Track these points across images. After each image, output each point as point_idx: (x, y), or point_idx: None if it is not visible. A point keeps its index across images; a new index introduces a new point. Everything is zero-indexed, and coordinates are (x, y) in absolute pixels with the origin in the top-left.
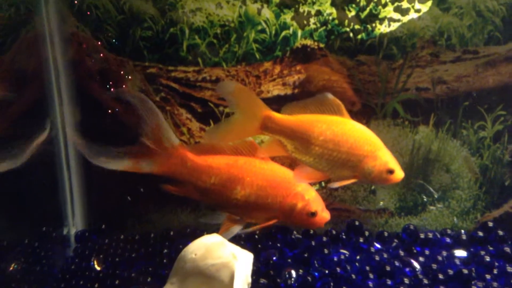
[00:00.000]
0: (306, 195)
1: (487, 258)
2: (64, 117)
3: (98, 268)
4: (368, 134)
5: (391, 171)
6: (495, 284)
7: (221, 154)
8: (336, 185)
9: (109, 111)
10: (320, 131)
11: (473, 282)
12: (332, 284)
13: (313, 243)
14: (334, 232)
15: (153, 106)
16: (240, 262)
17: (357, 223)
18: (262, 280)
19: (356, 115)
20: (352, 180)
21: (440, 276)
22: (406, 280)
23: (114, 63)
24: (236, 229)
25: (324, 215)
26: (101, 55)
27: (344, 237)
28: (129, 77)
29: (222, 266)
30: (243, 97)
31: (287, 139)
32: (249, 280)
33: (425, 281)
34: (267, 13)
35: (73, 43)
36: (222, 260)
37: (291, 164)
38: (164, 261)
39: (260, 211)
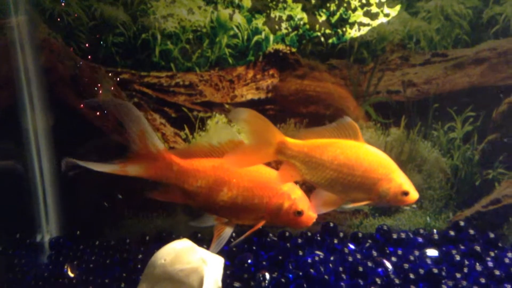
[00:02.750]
0: (292, 195)
1: (458, 257)
2: (36, 123)
3: (72, 275)
4: (382, 157)
5: (406, 193)
6: (464, 282)
7: (208, 157)
8: (350, 206)
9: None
10: (334, 155)
11: (443, 281)
12: (305, 285)
13: (288, 245)
14: (309, 233)
15: (138, 113)
16: (209, 267)
17: (331, 224)
18: (237, 284)
19: (329, 119)
20: (367, 202)
21: (411, 276)
22: (378, 280)
23: (86, 70)
24: (229, 231)
25: (311, 214)
26: (78, 62)
27: (319, 238)
28: (101, 83)
29: (191, 271)
30: (256, 123)
31: (301, 164)
32: (219, 284)
33: (396, 281)
34: (239, 18)
35: (45, 50)
36: (192, 265)
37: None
38: (139, 266)
39: (247, 212)
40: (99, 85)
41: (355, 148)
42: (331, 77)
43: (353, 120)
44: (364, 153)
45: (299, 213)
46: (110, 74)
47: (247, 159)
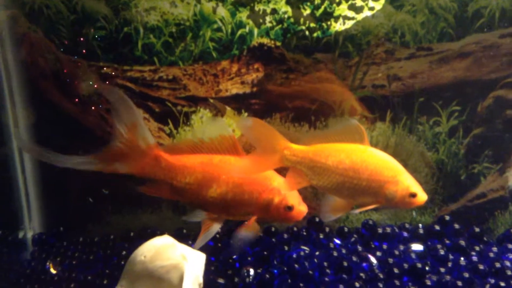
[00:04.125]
0: (283, 190)
1: (442, 252)
2: (17, 119)
3: (54, 272)
4: (387, 160)
5: (413, 195)
6: (448, 277)
7: (197, 153)
8: (358, 210)
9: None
10: (339, 159)
11: (427, 276)
12: (289, 281)
13: (274, 240)
14: (295, 229)
15: (131, 104)
16: (190, 263)
17: (317, 219)
18: (221, 280)
19: (314, 113)
20: (375, 206)
21: (396, 270)
22: (362, 275)
23: (67, 64)
24: (216, 227)
25: (301, 208)
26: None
27: (304, 233)
28: (83, 78)
29: (172, 268)
30: (261, 131)
31: (307, 169)
32: (200, 280)
33: (381, 276)
34: (222, 11)
35: (25, 44)
36: (172, 261)
37: None
38: (122, 263)
39: (238, 208)
40: (81, 79)
41: (360, 151)
42: (316, 71)
43: (339, 114)
44: (369, 156)
45: (289, 208)
46: (92, 69)
47: (254, 167)
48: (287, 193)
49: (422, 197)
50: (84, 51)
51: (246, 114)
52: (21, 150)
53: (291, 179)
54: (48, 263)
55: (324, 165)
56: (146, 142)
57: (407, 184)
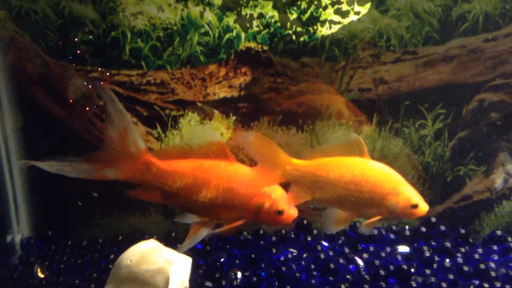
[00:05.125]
0: (273, 194)
1: (428, 254)
2: (5, 123)
3: (42, 276)
4: (388, 172)
5: (415, 206)
6: (433, 279)
7: (187, 158)
8: (365, 224)
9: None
10: (340, 173)
11: (412, 278)
12: (277, 283)
13: (262, 243)
14: (283, 231)
15: (122, 108)
16: (175, 267)
17: (305, 221)
18: (208, 283)
19: (301, 117)
20: (379, 218)
21: (382, 272)
22: (349, 277)
23: (55, 68)
24: (205, 231)
25: (292, 212)
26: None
27: (292, 236)
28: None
29: (157, 272)
30: (262, 146)
31: (309, 183)
32: (186, 284)
33: (367, 278)
34: (209, 16)
35: (13, 49)
36: (157, 265)
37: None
38: (110, 266)
39: (228, 213)
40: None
41: (360, 164)
42: (304, 75)
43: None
44: (370, 169)
45: (280, 212)
46: (79, 73)
47: (255, 183)
48: (277, 198)
49: (423, 207)
50: (71, 55)
51: (234, 117)
52: (8, 152)
53: (294, 194)
54: (36, 267)
55: (326, 179)
56: (137, 147)
57: (408, 195)
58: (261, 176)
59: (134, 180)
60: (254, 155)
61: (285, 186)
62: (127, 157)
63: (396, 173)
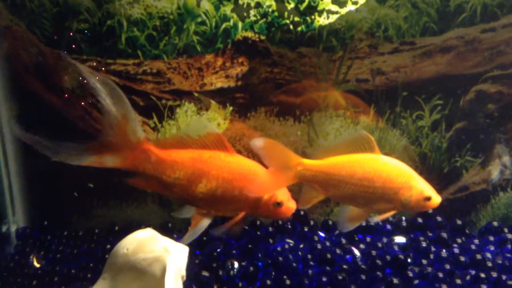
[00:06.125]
0: None
1: (424, 244)
2: (0, 112)
3: (37, 265)
4: (400, 166)
5: (428, 198)
6: (429, 269)
7: (186, 148)
8: (378, 218)
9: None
10: (352, 170)
11: (409, 268)
12: (273, 273)
13: (259, 233)
14: (280, 222)
15: (122, 94)
16: (172, 256)
17: (302, 212)
18: (204, 273)
19: (299, 108)
20: (393, 212)
21: (378, 262)
22: (346, 267)
23: (50, 57)
24: (206, 222)
25: (290, 204)
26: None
27: (289, 226)
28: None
29: (154, 260)
30: (273, 150)
31: (322, 182)
32: (183, 273)
33: (363, 267)
34: (206, 5)
35: (8, 38)
36: (154, 254)
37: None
38: (106, 256)
39: (227, 204)
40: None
41: (372, 160)
42: (301, 65)
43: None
44: (381, 164)
45: (279, 204)
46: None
47: (269, 186)
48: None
49: (436, 199)
50: (67, 44)
51: (231, 108)
52: (4, 143)
53: (307, 195)
54: (31, 257)
55: (338, 177)
56: (136, 135)
57: (420, 188)
58: (274, 179)
59: (133, 169)
60: (265, 159)
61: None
62: (126, 145)
63: (407, 167)
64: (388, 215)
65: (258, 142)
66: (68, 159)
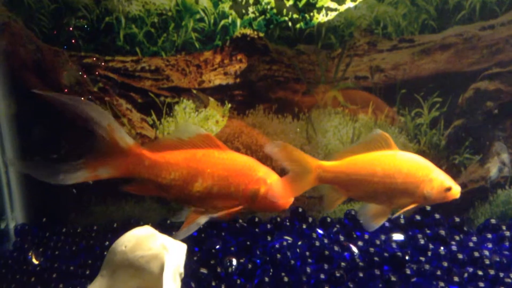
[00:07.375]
0: (268, 180)
1: (422, 241)
2: None
3: (36, 262)
4: (418, 161)
5: (448, 189)
6: (427, 266)
7: (178, 149)
8: (399, 213)
9: None
10: (372, 168)
11: (407, 265)
12: (271, 270)
13: (257, 230)
14: (278, 219)
15: (102, 110)
16: (171, 253)
17: (300, 209)
18: (203, 270)
19: (297, 105)
20: (413, 205)
21: (376, 259)
22: (344, 264)
23: (48, 54)
24: (202, 220)
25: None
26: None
27: (288, 224)
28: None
29: (152, 258)
30: (290, 154)
31: (343, 183)
32: (181, 270)
33: (361, 264)
34: (205, 2)
35: (5, 34)
36: (152, 251)
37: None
38: (105, 253)
39: (224, 201)
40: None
41: (391, 157)
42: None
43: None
44: (400, 160)
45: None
46: (73, 59)
47: (290, 190)
48: (273, 183)
49: (456, 189)
50: (65, 41)
51: (229, 105)
52: (2, 140)
53: (329, 197)
54: (30, 254)
55: (359, 176)
56: (126, 142)
57: (441, 180)
58: (295, 183)
59: (128, 175)
60: (284, 164)
61: (281, 173)
62: (118, 153)
63: (425, 160)
64: (408, 208)
65: (274, 147)
66: (65, 180)
